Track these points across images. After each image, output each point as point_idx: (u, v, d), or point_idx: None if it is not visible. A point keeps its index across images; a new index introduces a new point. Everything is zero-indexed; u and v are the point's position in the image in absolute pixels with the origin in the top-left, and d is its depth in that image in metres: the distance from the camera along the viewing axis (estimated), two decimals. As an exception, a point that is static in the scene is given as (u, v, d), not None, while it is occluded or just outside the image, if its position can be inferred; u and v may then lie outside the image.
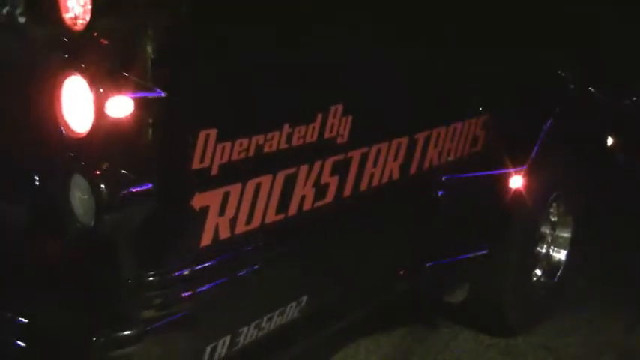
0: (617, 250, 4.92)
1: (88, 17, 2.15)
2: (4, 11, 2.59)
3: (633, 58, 4.47)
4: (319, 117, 2.77)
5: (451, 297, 3.89)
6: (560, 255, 4.41)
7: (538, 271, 4.31)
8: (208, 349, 2.62)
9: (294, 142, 2.67)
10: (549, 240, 4.37)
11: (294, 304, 2.91)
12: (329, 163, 2.87)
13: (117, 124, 2.17)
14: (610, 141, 4.65)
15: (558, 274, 4.39)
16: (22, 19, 2.56)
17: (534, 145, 3.80)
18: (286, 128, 2.64)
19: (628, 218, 5.04)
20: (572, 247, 4.40)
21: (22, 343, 2.46)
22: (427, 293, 3.96)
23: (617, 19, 4.34)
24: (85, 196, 2.22)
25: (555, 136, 3.94)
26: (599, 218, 4.47)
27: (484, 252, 3.79)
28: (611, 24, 4.29)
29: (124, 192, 2.20)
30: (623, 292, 4.51)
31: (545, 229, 4.33)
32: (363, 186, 3.06)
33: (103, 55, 2.20)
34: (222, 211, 2.49)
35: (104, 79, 2.17)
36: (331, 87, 2.86)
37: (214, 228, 2.49)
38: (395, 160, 3.19)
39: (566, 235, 4.42)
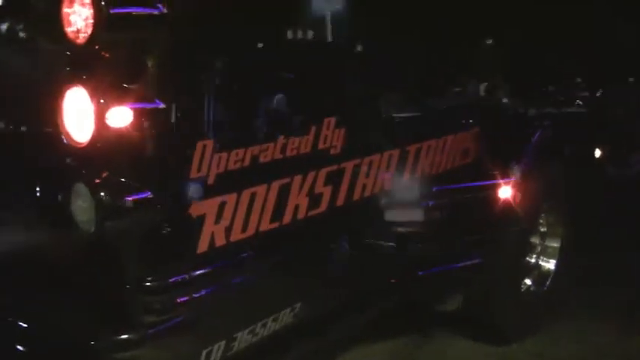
0: (605, 255, 5.00)
1: (89, 31, 2.22)
2: (6, 26, 2.67)
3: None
4: (312, 129, 2.85)
5: (445, 305, 3.95)
6: (550, 265, 4.48)
7: (528, 281, 4.37)
8: (204, 353, 2.67)
9: (288, 152, 2.74)
10: (539, 250, 4.45)
11: (288, 310, 2.97)
12: (322, 173, 2.94)
13: (117, 134, 2.25)
14: (598, 153, 4.74)
15: (548, 282, 4.46)
16: (22, 34, 2.64)
17: (524, 158, 3.90)
18: (281, 139, 2.71)
19: (619, 224, 5.12)
20: (562, 256, 4.47)
21: (21, 348, 2.51)
22: (421, 301, 4.02)
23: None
24: (86, 204, 2.29)
25: (545, 149, 4.04)
26: (589, 225, 4.54)
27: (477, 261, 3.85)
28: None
29: (124, 200, 2.27)
30: (612, 296, 4.58)
31: (535, 240, 4.41)
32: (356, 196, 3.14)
33: (104, 67, 2.27)
34: (218, 219, 2.56)
35: (105, 91, 2.24)
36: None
37: (211, 235, 2.55)
38: (387, 169, 3.27)
39: (556, 244, 4.49)
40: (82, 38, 2.24)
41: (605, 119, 5.17)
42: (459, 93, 5.22)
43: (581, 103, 4.58)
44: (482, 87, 5.03)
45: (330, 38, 3.92)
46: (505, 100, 4.91)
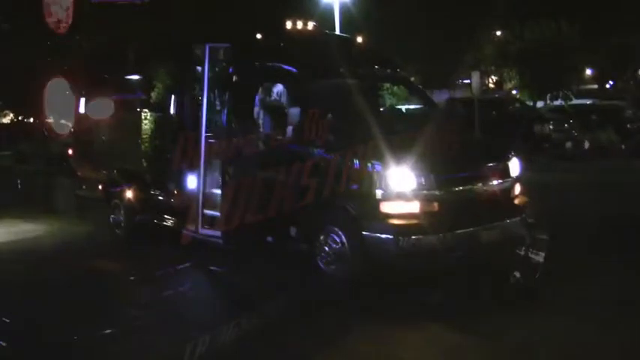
0: (601, 255, 4.99)
1: (70, 21, 2.21)
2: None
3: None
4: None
5: (431, 296, 3.94)
6: (539, 257, 4.45)
7: (517, 273, 4.34)
8: (188, 346, 2.65)
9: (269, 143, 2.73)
10: (528, 242, 4.41)
11: (271, 304, 2.95)
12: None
13: (98, 124, 2.24)
14: (587, 144, 4.75)
15: (537, 275, 4.43)
16: (5, 26, 2.63)
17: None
18: (261, 132, 2.70)
19: (605, 223, 5.13)
20: (550, 249, 4.45)
21: (2, 343, 2.50)
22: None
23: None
24: (68, 195, 2.29)
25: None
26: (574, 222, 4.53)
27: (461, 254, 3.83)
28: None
29: (106, 190, 2.26)
30: (603, 295, 4.56)
31: (524, 232, 4.38)
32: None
33: (85, 57, 2.26)
34: (200, 210, 2.55)
35: (86, 81, 2.23)
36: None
37: (194, 226, 2.54)
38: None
39: (544, 237, 4.47)
40: (62, 28, 2.23)
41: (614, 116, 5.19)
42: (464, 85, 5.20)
43: (563, 103, 4.61)
44: (491, 80, 4.98)
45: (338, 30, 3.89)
46: (515, 93, 4.91)
